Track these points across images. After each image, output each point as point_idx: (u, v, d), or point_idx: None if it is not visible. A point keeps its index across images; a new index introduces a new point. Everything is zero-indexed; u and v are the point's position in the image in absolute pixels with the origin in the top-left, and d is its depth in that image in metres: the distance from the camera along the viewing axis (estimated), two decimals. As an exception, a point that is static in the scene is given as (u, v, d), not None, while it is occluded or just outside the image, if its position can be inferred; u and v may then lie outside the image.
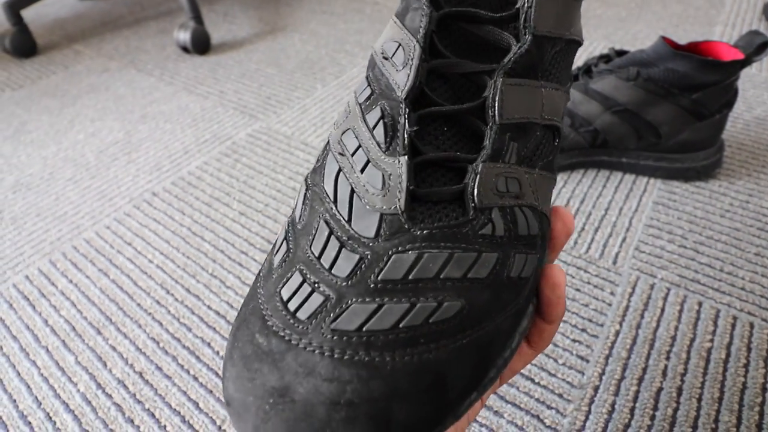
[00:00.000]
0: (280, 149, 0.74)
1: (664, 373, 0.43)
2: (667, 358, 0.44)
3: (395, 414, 0.17)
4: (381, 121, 0.21)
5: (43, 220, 0.64)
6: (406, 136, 0.20)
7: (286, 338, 0.18)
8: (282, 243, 0.21)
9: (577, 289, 0.50)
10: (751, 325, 0.46)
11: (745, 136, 0.69)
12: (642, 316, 0.48)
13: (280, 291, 0.20)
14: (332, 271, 0.19)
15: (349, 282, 0.19)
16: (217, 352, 0.47)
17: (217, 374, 0.45)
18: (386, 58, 0.22)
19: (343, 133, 0.22)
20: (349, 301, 0.18)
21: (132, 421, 0.43)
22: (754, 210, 0.58)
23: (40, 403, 0.44)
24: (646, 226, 0.57)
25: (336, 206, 0.20)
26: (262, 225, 0.60)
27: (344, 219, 0.20)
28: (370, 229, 0.19)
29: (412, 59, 0.21)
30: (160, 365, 0.47)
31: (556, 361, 0.45)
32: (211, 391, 0.44)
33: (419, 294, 0.18)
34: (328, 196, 0.21)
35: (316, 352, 0.18)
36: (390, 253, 0.19)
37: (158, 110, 0.86)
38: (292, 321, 0.19)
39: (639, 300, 0.49)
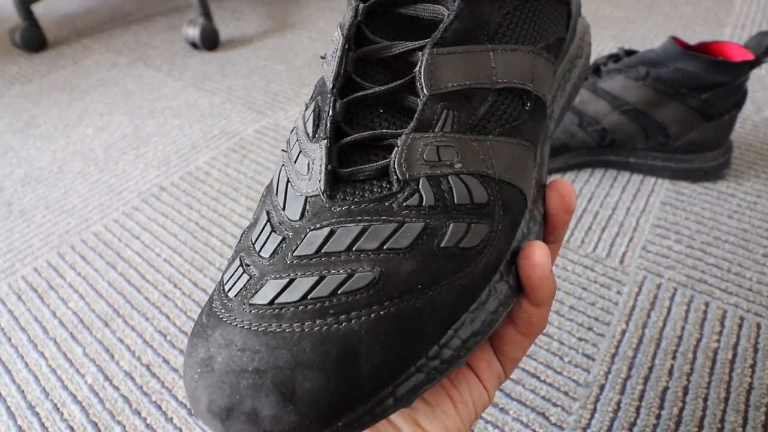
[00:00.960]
0: (288, 145, 0.74)
1: (671, 373, 0.43)
2: (674, 358, 0.44)
3: (300, 383, 0.17)
4: (311, 114, 0.22)
5: (52, 213, 0.65)
6: (328, 122, 0.21)
7: (219, 316, 0.19)
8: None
9: (584, 288, 0.50)
10: (758, 326, 0.46)
11: (753, 137, 0.69)
12: (648, 316, 0.48)
13: (222, 276, 0.21)
14: (260, 253, 0.20)
15: (271, 261, 0.19)
16: (224, 346, 0.47)
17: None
18: (323, 58, 0.23)
19: (291, 131, 0.23)
20: (268, 278, 0.19)
21: (139, 413, 0.43)
22: (762, 211, 0.57)
23: (48, 394, 0.45)
24: (653, 226, 0.57)
25: (276, 196, 0.21)
26: (269, 220, 0.61)
27: (280, 207, 0.21)
28: (296, 212, 0.20)
29: (336, 50, 0.22)
30: (167, 358, 0.47)
31: (562, 359, 0.45)
32: (217, 385, 0.44)
33: (330, 266, 0.18)
34: (273, 189, 0.22)
35: (237, 326, 0.18)
36: (307, 230, 0.19)
37: (167, 105, 0.87)
38: (225, 301, 0.19)
39: (646, 299, 0.49)
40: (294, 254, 0.19)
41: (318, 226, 0.19)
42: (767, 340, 0.45)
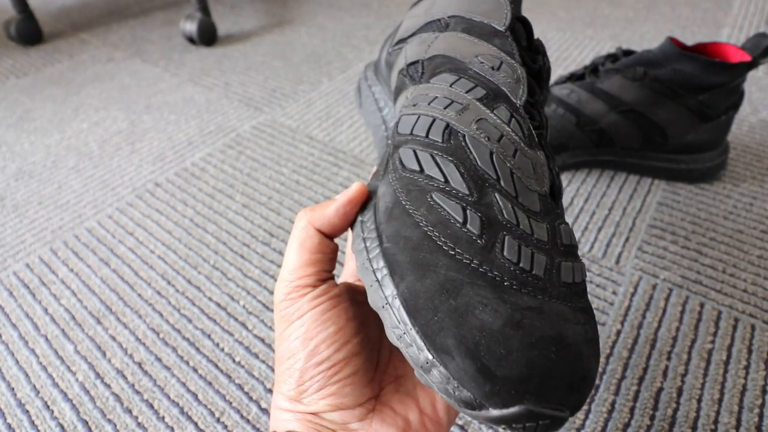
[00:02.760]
0: (285, 142, 0.74)
1: (665, 374, 0.43)
2: (668, 359, 0.44)
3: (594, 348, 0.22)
4: (513, 118, 0.26)
5: (45, 209, 0.64)
6: (535, 135, 0.26)
7: (532, 294, 0.21)
8: (467, 213, 0.23)
9: (579, 289, 0.50)
10: (753, 328, 0.46)
11: (750, 138, 0.69)
12: (644, 316, 0.47)
13: (504, 255, 0.22)
14: (534, 236, 0.23)
15: (550, 246, 0.23)
16: (217, 344, 0.47)
17: (216, 366, 0.45)
18: (494, 68, 0.28)
19: (477, 120, 0.26)
20: (558, 260, 0.23)
21: (130, 412, 0.43)
22: (758, 213, 0.57)
23: (39, 392, 0.44)
24: (649, 226, 0.57)
25: (501, 183, 0.24)
26: (264, 218, 0.60)
27: (512, 195, 0.24)
28: (535, 205, 0.24)
29: (523, 78, 0.28)
30: (160, 356, 0.47)
31: (556, 359, 0.44)
32: (210, 383, 0.44)
33: (576, 257, 0.24)
34: (486, 172, 0.24)
35: (559, 303, 0.22)
36: (555, 225, 0.24)
37: (163, 101, 0.86)
38: (530, 278, 0.22)
39: (641, 300, 0.49)
40: (563, 243, 0.24)
41: (558, 222, 0.25)
42: (761, 341, 0.45)
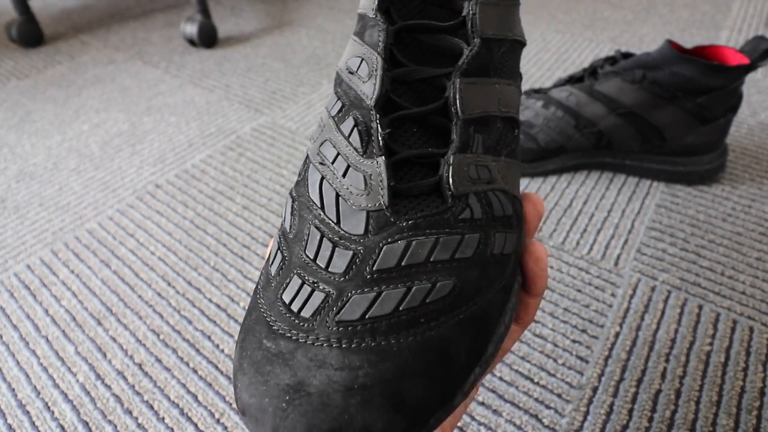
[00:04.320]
0: (285, 144, 0.74)
1: (663, 376, 0.43)
2: (667, 361, 0.44)
3: (407, 392, 0.18)
4: (355, 129, 0.22)
5: (46, 210, 0.65)
6: (380, 138, 0.22)
7: (293, 338, 0.19)
8: (276, 253, 0.22)
9: (578, 290, 0.50)
10: (751, 330, 0.46)
11: (748, 141, 0.69)
12: (642, 319, 0.48)
13: (281, 296, 0.21)
14: (329, 269, 0.20)
15: (346, 276, 0.20)
16: (217, 345, 0.47)
17: (216, 367, 0.46)
18: (351, 73, 0.24)
19: (321, 144, 0.24)
20: (349, 294, 0.19)
21: (130, 413, 0.43)
22: (756, 215, 0.58)
23: (39, 393, 0.45)
24: (648, 228, 0.57)
25: (324, 211, 0.22)
26: (265, 219, 0.61)
27: (333, 221, 0.21)
28: (358, 227, 0.21)
29: (375, 70, 0.23)
30: (160, 357, 0.47)
31: (555, 361, 0.45)
32: (210, 384, 0.44)
33: (413, 278, 0.20)
34: (314, 203, 0.22)
35: (324, 345, 0.18)
36: (381, 245, 0.20)
37: (163, 103, 0.86)
38: (296, 321, 0.19)
39: (639, 302, 0.49)
40: (374, 269, 0.20)
41: (390, 240, 0.20)
42: (759, 343, 0.45)
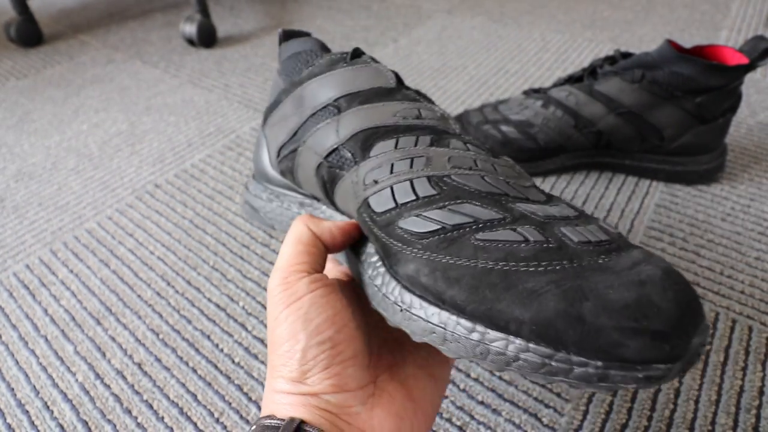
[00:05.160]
0: (283, 144, 0.74)
1: (662, 375, 0.43)
2: (666, 361, 0.44)
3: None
4: (467, 144, 0.30)
5: (45, 210, 0.65)
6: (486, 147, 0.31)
7: (617, 256, 0.23)
8: (518, 233, 0.25)
9: (577, 290, 0.50)
10: (750, 329, 0.46)
11: (748, 140, 0.69)
12: (641, 318, 0.48)
13: (575, 242, 0.24)
14: (571, 217, 0.26)
15: (581, 216, 0.27)
16: (216, 345, 0.47)
17: (216, 366, 0.46)
18: (417, 117, 0.31)
19: (448, 160, 0.29)
20: (594, 224, 0.26)
21: (130, 412, 0.43)
22: (755, 214, 0.58)
23: (38, 392, 0.45)
24: (647, 228, 0.57)
25: (510, 195, 0.27)
26: (263, 219, 0.61)
27: (524, 198, 0.26)
28: (539, 195, 0.28)
29: (444, 111, 0.33)
30: (159, 357, 0.47)
31: (554, 360, 0.45)
32: (209, 384, 0.44)
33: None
34: (494, 193, 0.27)
35: (627, 251, 0.24)
36: (560, 202, 0.28)
37: (162, 102, 0.86)
38: (605, 245, 0.24)
39: (639, 302, 0.49)
40: (578, 211, 0.27)
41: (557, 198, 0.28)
42: (759, 342, 0.45)
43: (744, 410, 0.40)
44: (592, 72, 0.61)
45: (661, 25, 1.04)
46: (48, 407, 0.43)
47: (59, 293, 0.53)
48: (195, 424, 0.42)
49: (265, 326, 0.49)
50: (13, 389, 0.45)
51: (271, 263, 0.55)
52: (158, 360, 0.47)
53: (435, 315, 0.23)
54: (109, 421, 0.42)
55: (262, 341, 0.47)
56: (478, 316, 0.22)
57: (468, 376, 0.44)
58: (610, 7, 1.14)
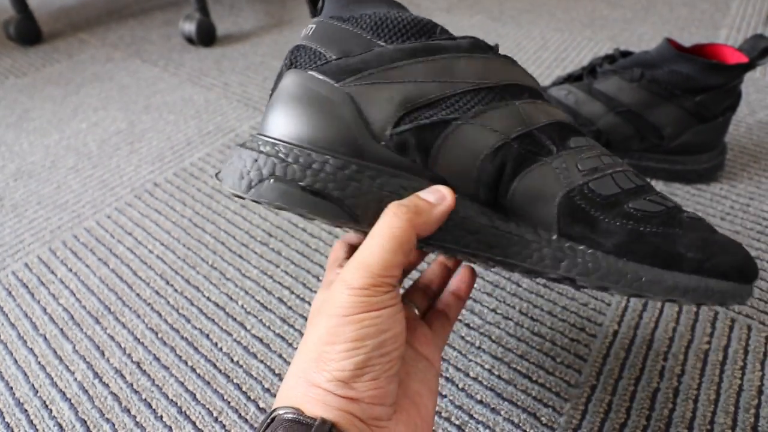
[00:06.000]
0: (283, 143, 0.74)
1: (661, 374, 0.43)
2: (665, 359, 0.44)
3: None
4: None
5: (44, 209, 0.64)
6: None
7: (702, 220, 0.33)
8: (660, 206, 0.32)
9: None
10: (749, 328, 0.46)
11: (747, 139, 0.69)
12: (641, 317, 0.48)
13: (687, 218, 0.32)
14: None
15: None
16: (215, 344, 0.47)
17: (214, 365, 0.46)
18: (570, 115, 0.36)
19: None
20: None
21: (129, 411, 0.43)
22: (755, 213, 0.58)
23: (37, 391, 0.45)
24: (646, 227, 0.57)
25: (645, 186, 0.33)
26: (263, 218, 0.61)
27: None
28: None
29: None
30: (158, 356, 0.47)
31: (553, 359, 0.45)
32: (208, 383, 0.44)
33: None
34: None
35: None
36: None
37: (162, 101, 0.86)
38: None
39: (638, 300, 0.49)
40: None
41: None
42: (757, 342, 0.45)
43: (743, 409, 0.40)
44: (591, 71, 0.61)
45: (661, 24, 1.04)
46: (47, 406, 0.43)
47: (58, 292, 0.53)
48: (194, 423, 0.42)
49: (264, 325, 0.49)
50: (11, 388, 0.45)
51: (270, 262, 0.55)
52: (157, 359, 0.47)
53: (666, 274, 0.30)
54: (108, 420, 0.42)
55: (261, 340, 0.47)
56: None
57: (467, 375, 0.44)
58: (609, 5, 1.14)
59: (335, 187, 0.27)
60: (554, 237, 0.30)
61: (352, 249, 0.34)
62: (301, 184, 0.27)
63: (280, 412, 0.25)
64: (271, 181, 0.27)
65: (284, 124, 0.29)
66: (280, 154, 0.28)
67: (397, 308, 0.26)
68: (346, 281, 0.26)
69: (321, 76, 0.29)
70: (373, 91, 0.29)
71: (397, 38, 0.30)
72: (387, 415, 0.26)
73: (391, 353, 0.26)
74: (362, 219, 0.28)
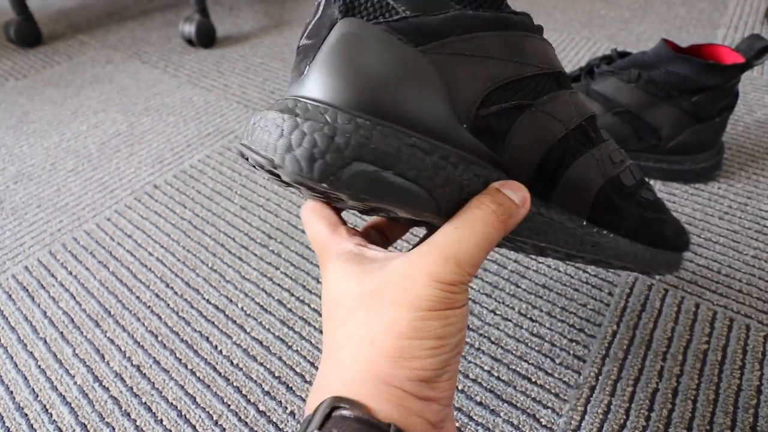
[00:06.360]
0: (282, 144, 0.74)
1: (660, 374, 0.43)
2: (664, 360, 0.44)
3: None
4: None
5: (44, 211, 0.65)
6: None
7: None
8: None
9: (576, 289, 0.51)
10: (748, 328, 0.46)
11: (745, 138, 0.69)
12: (639, 317, 0.48)
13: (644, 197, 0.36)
14: None
15: None
16: (215, 347, 0.47)
17: (214, 368, 0.46)
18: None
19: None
20: None
21: (128, 415, 0.43)
22: (753, 212, 0.58)
23: (37, 395, 0.45)
24: (645, 227, 0.57)
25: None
26: (263, 219, 0.61)
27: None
28: None
29: None
30: (158, 359, 0.47)
31: (553, 360, 0.45)
32: (208, 386, 0.44)
33: None
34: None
35: None
36: None
37: (162, 102, 0.86)
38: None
39: (637, 301, 0.49)
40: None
41: None
42: (756, 341, 0.45)
43: (742, 409, 0.41)
44: (589, 72, 0.61)
45: (659, 23, 1.04)
46: (47, 410, 0.44)
47: (58, 295, 0.53)
48: (194, 427, 0.42)
49: (264, 327, 0.49)
50: (11, 392, 0.45)
51: (270, 264, 0.55)
52: (157, 362, 0.47)
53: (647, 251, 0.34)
54: (108, 424, 0.42)
55: (261, 343, 0.47)
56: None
57: (466, 376, 0.44)
58: (607, 5, 1.14)
59: (426, 176, 0.24)
60: (584, 223, 0.31)
61: (337, 212, 0.30)
62: (390, 171, 0.23)
63: (341, 407, 0.22)
64: (354, 166, 0.22)
65: (353, 92, 0.23)
66: (362, 131, 0.22)
67: (468, 306, 0.26)
68: (432, 274, 0.23)
69: (398, 36, 0.24)
70: (456, 63, 0.25)
71: (469, 2, 0.26)
72: (450, 416, 0.25)
73: (460, 353, 0.25)
74: (444, 210, 0.25)
